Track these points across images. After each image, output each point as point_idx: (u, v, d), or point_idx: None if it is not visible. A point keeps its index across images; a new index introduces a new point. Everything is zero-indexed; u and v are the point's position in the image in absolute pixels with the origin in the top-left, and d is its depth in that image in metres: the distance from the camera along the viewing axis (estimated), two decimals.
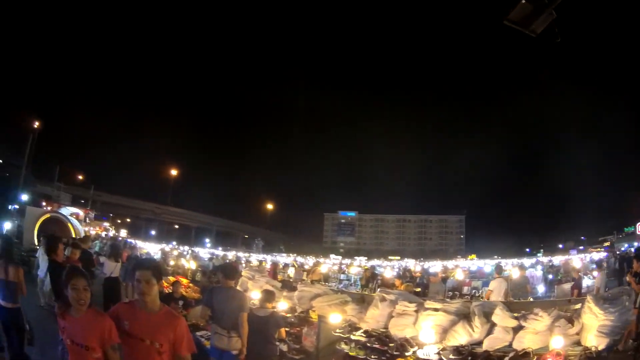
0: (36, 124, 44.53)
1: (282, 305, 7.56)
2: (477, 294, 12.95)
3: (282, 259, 46.23)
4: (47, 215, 23.78)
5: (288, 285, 9.96)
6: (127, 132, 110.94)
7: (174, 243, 58.29)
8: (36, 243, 18.87)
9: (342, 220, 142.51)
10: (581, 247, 67.70)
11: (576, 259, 27.40)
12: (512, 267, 18.87)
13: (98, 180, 65.63)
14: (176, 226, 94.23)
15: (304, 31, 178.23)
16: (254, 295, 7.64)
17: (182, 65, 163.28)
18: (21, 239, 20.38)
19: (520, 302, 8.44)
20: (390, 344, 5.80)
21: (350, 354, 6.00)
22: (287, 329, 7.14)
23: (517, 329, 5.34)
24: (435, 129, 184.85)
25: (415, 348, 5.62)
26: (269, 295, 6.53)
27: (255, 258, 41.10)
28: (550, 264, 29.75)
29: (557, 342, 4.81)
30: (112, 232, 43.01)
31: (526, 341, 5.13)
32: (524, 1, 5.42)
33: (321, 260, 46.29)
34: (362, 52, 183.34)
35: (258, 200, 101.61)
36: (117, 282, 10.77)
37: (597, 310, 4.90)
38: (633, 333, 4.83)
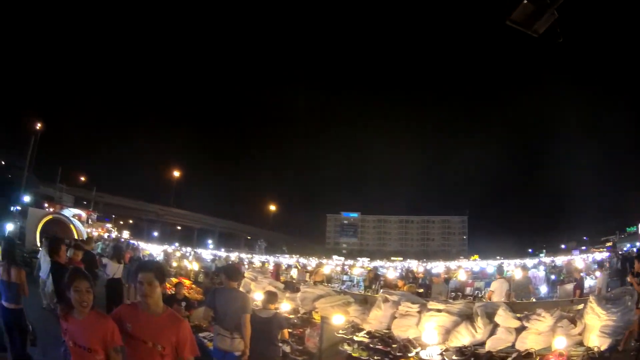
0: (38, 126, 44.60)
1: (284, 307, 7.56)
2: (479, 295, 12.93)
3: (285, 260, 46.18)
4: (50, 217, 23.84)
5: (291, 287, 9.96)
6: (129, 134, 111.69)
7: (177, 244, 58.33)
8: (38, 244, 18.88)
9: (345, 221, 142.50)
10: (584, 248, 67.66)
11: (579, 259, 27.30)
12: (514, 267, 18.80)
13: (100, 182, 66.08)
14: (179, 227, 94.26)
15: (304, 31, 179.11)
16: (257, 297, 7.63)
17: (183, 67, 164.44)
18: (23, 241, 20.43)
19: (522, 302, 8.42)
20: (393, 345, 5.80)
21: (353, 355, 6.01)
22: (289, 330, 7.13)
23: (519, 330, 5.34)
24: (435, 129, 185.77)
25: (418, 349, 5.62)
26: (271, 297, 6.52)
27: (258, 259, 41.13)
28: (553, 264, 29.68)
29: (560, 343, 4.81)
30: (114, 234, 43.00)
31: (529, 342, 5.13)
32: (525, 1, 5.41)
33: (324, 261, 46.33)
34: (362, 52, 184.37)
35: (260, 201, 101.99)
36: (120, 284, 10.76)
37: (599, 310, 4.89)
38: (635, 333, 4.82)
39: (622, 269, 18.04)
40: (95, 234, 31.95)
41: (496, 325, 5.52)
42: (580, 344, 4.96)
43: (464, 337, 5.61)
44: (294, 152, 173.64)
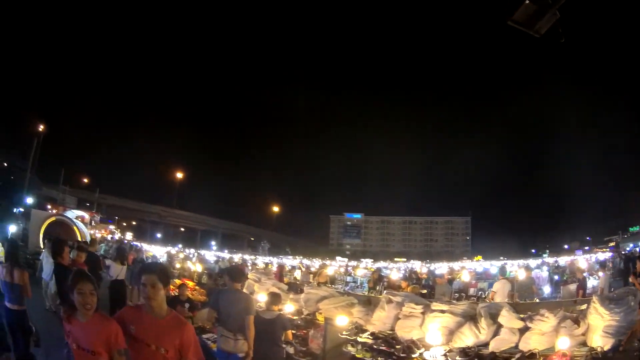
0: (41, 128, 44.75)
1: (288, 308, 7.57)
2: (483, 296, 12.92)
3: (289, 261, 46.18)
4: (53, 219, 23.80)
5: (294, 288, 9.94)
6: (130, 134, 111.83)
7: (180, 246, 58.31)
8: (41, 246, 18.89)
9: (348, 223, 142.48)
10: (587, 248, 67.51)
11: (582, 260, 27.22)
12: (518, 268, 18.77)
13: (103, 183, 66.34)
14: (182, 229, 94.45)
15: (304, 32, 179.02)
16: (261, 298, 7.65)
17: (183, 67, 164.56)
18: (26, 242, 20.42)
19: (526, 303, 8.40)
20: (397, 346, 5.79)
21: (357, 356, 5.99)
22: (293, 332, 7.12)
23: (523, 330, 5.32)
24: (436, 129, 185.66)
25: (422, 350, 5.61)
26: (275, 298, 6.52)
27: (261, 260, 41.12)
28: (556, 264, 29.58)
29: (563, 343, 4.79)
30: (117, 235, 43.02)
31: (532, 342, 5.11)
32: (527, 1, 5.41)
33: (327, 262, 46.23)
34: (362, 52, 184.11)
35: (264, 202, 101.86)
36: (123, 285, 10.79)
37: (602, 310, 4.88)
38: (638, 333, 4.79)
39: (624, 269, 17.97)
40: (98, 235, 31.96)
41: (500, 326, 5.51)
42: (584, 344, 4.94)
43: (467, 338, 5.59)
44: (294, 152, 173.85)
